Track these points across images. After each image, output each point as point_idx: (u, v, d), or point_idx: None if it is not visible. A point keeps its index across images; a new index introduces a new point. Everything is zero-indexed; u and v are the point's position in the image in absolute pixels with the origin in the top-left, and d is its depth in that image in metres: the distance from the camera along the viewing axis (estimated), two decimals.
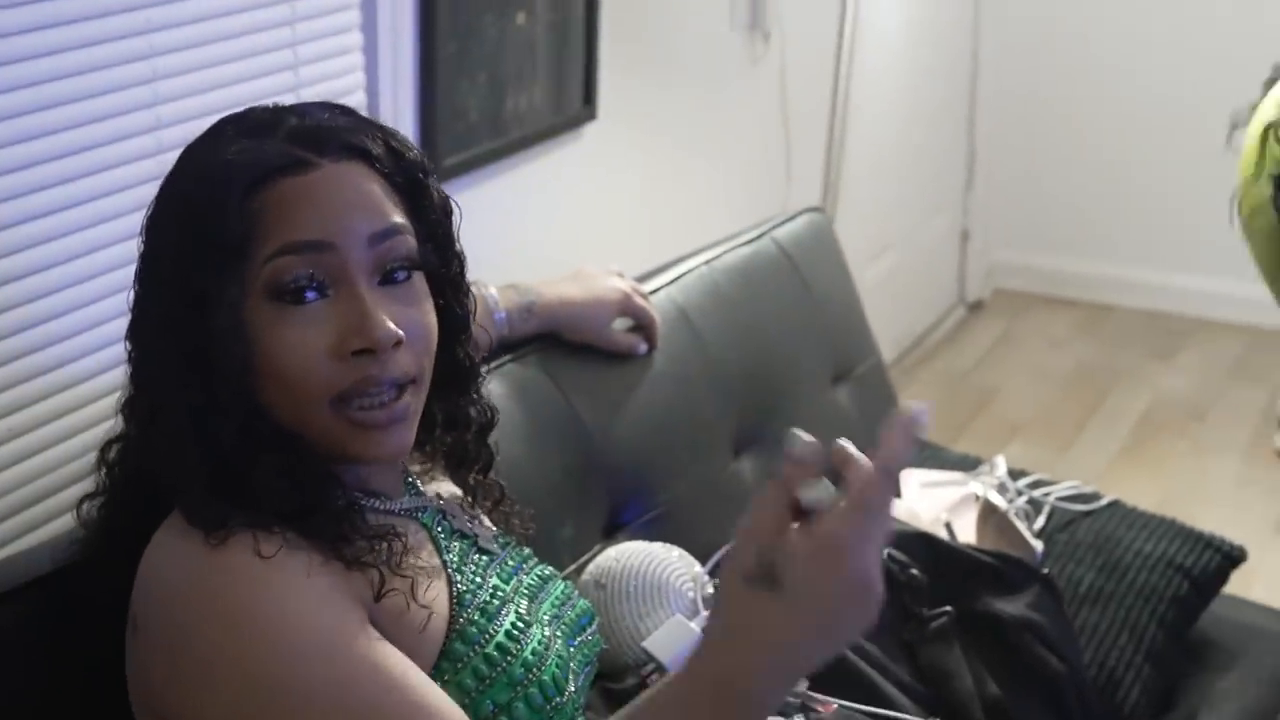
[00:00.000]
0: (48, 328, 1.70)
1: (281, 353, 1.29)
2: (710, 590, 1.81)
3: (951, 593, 1.91)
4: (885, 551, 1.90)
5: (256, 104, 1.39)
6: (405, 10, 2.23)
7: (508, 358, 1.95)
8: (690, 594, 1.80)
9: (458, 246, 1.46)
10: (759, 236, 2.42)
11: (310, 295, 1.30)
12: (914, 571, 1.90)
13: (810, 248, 2.48)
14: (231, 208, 1.29)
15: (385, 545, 1.33)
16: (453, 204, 1.45)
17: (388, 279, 1.34)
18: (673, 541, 1.92)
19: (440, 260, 1.43)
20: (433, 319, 1.38)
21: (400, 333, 1.31)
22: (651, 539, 1.94)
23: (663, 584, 1.81)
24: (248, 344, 1.29)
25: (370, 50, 2.18)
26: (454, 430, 1.50)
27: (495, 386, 1.90)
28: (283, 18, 2.01)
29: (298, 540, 1.28)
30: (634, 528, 2.01)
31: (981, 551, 1.96)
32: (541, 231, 2.63)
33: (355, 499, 1.37)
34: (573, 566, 1.89)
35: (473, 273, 2.14)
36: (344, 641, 1.26)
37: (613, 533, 1.99)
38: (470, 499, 1.54)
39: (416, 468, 1.54)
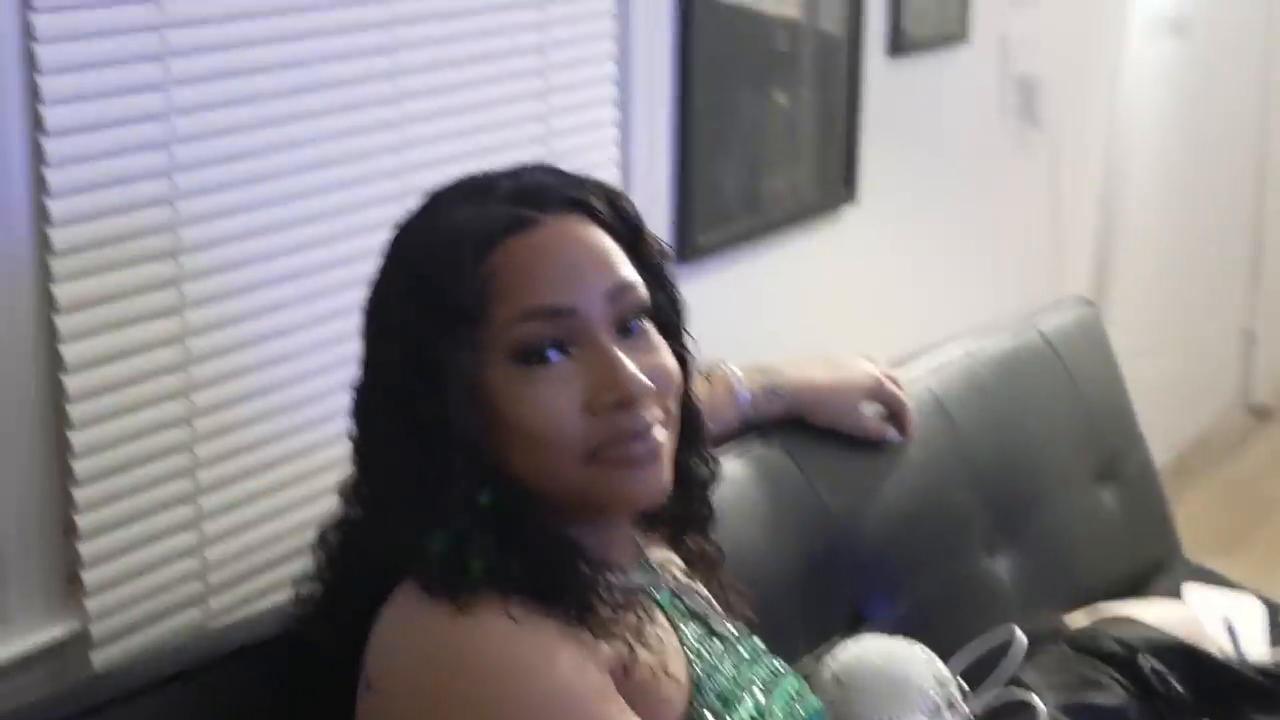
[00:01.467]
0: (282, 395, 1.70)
1: (531, 413, 1.27)
2: (955, 692, 1.71)
3: (1213, 708, 1.78)
4: (1149, 665, 1.81)
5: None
6: (661, 86, 2.20)
7: (753, 440, 1.89)
8: (934, 696, 1.70)
9: (677, 291, 1.44)
10: (1024, 327, 2.32)
11: (554, 356, 1.28)
12: (1173, 683, 1.77)
13: (1077, 341, 2.38)
14: (464, 273, 1.27)
15: (633, 616, 1.30)
16: (665, 246, 1.43)
17: (625, 330, 1.32)
18: (917, 639, 1.83)
19: (669, 305, 1.41)
20: (674, 362, 1.36)
21: (651, 384, 1.29)
22: (894, 635, 1.85)
23: (904, 683, 1.71)
24: (487, 409, 1.27)
25: (625, 125, 2.15)
26: (680, 485, 1.43)
27: (737, 468, 1.85)
28: (536, 90, 1.99)
29: (542, 607, 1.25)
30: (876, 623, 1.91)
31: (1248, 667, 1.83)
32: (792, 314, 2.56)
33: (596, 569, 1.33)
34: (809, 658, 1.81)
35: (719, 353, 2.11)
36: (597, 708, 1.23)
37: (854, 626, 1.90)
38: (687, 566, 1.50)
39: (641, 538, 1.48)
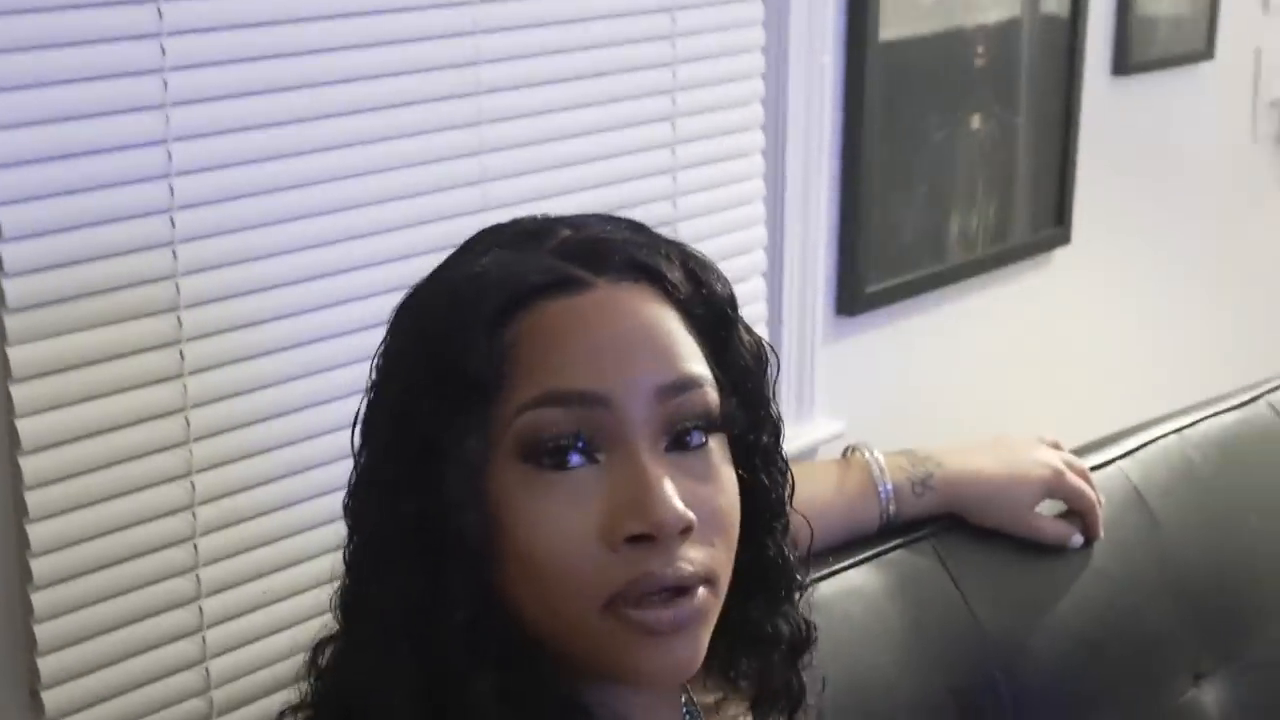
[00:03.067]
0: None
1: (536, 534, 0.96)
2: None
3: None
4: None
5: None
6: (823, 108, 1.89)
7: (894, 542, 1.56)
8: None
9: (773, 407, 1.09)
10: (1251, 400, 1.95)
11: (575, 459, 0.96)
12: None
13: None
14: (477, 334, 0.97)
15: None
16: (768, 351, 1.09)
17: (678, 443, 0.99)
18: None
19: (749, 423, 1.06)
20: (733, 498, 1.02)
21: (690, 515, 0.96)
22: None
23: None
24: (488, 515, 0.97)
25: (774, 153, 1.85)
26: (752, 649, 1.12)
27: (872, 578, 1.53)
28: (665, 110, 1.70)
29: None
30: None
31: None
32: (978, 378, 2.23)
33: None
34: None
35: (880, 423, 1.80)
36: None
37: None
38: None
39: (710, 698, 1.16)
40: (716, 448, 1.01)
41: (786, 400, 1.95)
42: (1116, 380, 2.41)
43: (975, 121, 2.14)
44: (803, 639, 1.14)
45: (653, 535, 0.95)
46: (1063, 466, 1.63)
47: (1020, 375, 2.30)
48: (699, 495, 0.98)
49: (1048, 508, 1.65)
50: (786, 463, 1.12)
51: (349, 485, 1.04)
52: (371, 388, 1.04)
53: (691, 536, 0.97)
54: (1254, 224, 2.78)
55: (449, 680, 0.97)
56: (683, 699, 1.12)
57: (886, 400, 2.08)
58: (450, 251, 1.06)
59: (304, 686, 1.08)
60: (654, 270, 1.03)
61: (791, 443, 1.94)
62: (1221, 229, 2.70)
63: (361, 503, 1.03)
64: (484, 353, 0.97)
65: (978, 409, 2.07)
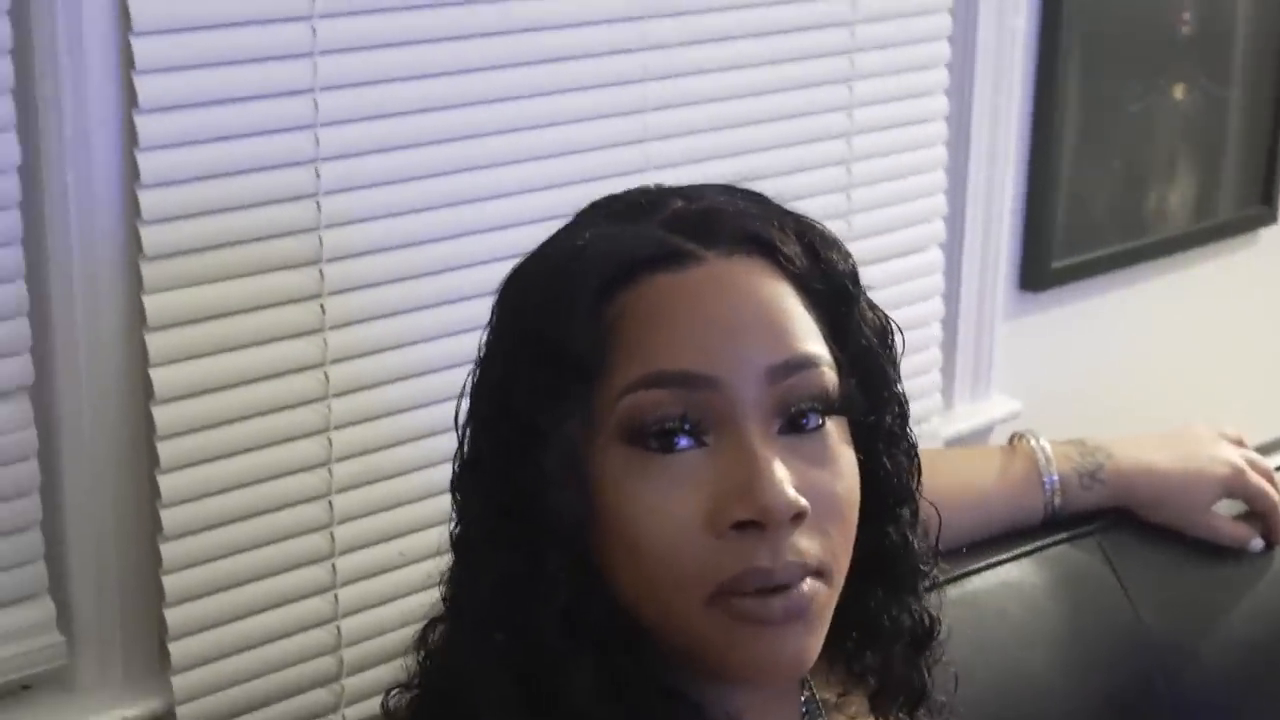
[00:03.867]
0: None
1: (639, 518, 0.92)
2: None
3: None
4: None
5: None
6: (1013, 73, 1.80)
7: (1058, 536, 1.49)
8: None
9: (899, 387, 1.03)
10: None
11: (682, 442, 0.92)
12: None
13: None
14: (578, 312, 0.93)
15: None
16: (894, 327, 1.03)
17: (793, 425, 0.94)
18: None
19: (870, 405, 1.00)
20: (852, 483, 0.96)
21: (803, 502, 0.91)
22: None
23: None
24: (590, 497, 0.93)
25: (959, 119, 1.77)
26: (873, 641, 1.06)
27: (1031, 572, 1.48)
28: (844, 72, 1.63)
29: None
30: None
31: None
32: (1170, 361, 2.12)
33: None
34: None
35: (1060, 405, 1.72)
36: None
37: None
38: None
39: (830, 695, 1.11)
40: (834, 430, 0.96)
41: (961, 377, 1.87)
42: None
43: (1178, 92, 2.03)
44: (925, 632, 1.08)
45: (761, 522, 0.90)
46: (1244, 465, 1.54)
47: (1215, 363, 2.18)
48: (814, 480, 0.93)
49: (1226, 508, 1.57)
50: (914, 445, 1.05)
51: (455, 463, 1.01)
52: (477, 364, 1.01)
53: (804, 524, 0.92)
54: None
55: (546, 667, 0.93)
56: (803, 696, 1.06)
57: (1069, 382, 1.98)
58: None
59: (411, 664, 1.06)
60: (768, 242, 0.97)
61: (965, 421, 1.87)
62: None
63: (463, 482, 1.00)
64: (585, 332, 0.93)
65: (1166, 396, 1.97)
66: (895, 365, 1.03)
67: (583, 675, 0.93)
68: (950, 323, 1.84)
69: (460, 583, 1.00)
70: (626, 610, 0.95)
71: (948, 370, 1.85)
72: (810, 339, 0.95)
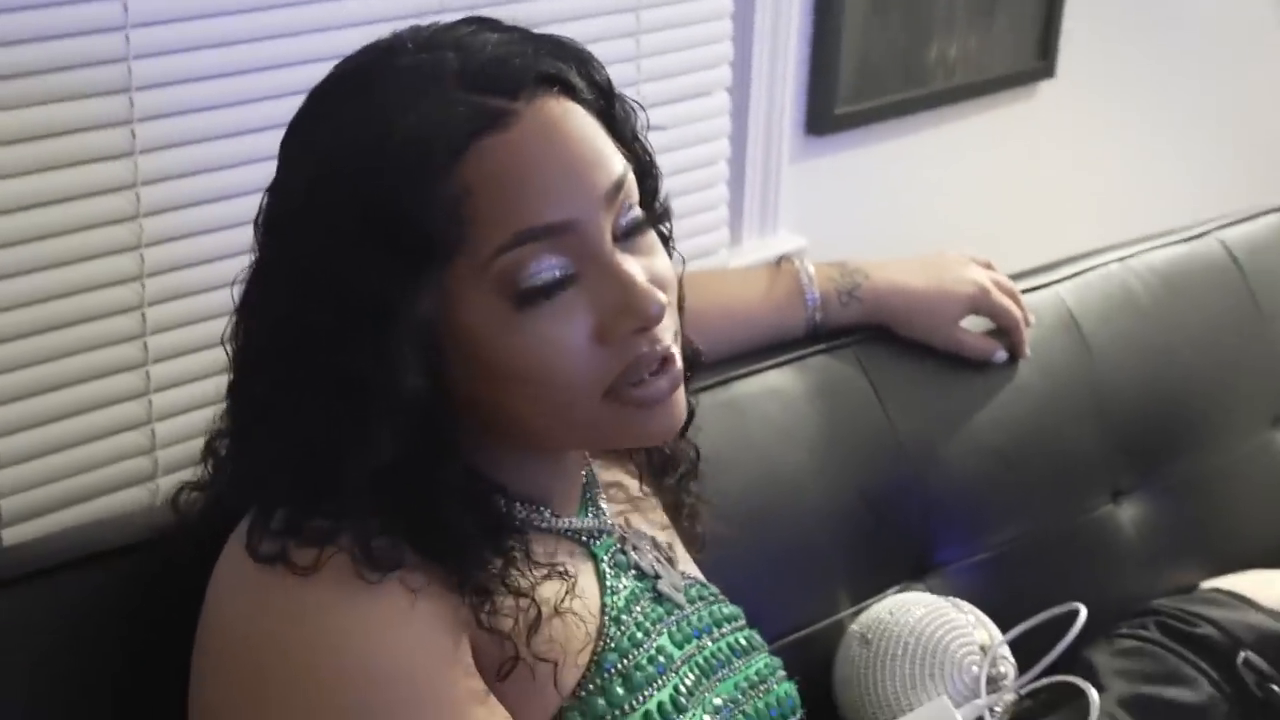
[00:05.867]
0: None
1: (535, 354, 1.03)
2: (1004, 669, 1.45)
3: None
4: (1242, 654, 1.51)
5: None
6: None
7: (818, 347, 1.63)
8: (974, 670, 1.44)
9: (658, 169, 1.17)
10: (1200, 235, 1.99)
11: (558, 286, 1.03)
12: (1275, 688, 1.48)
13: (1272, 256, 2.03)
14: (431, 194, 0.99)
15: (533, 609, 1.06)
16: (632, 104, 1.15)
17: (623, 232, 1.07)
18: (1000, 597, 1.57)
19: (652, 190, 1.16)
20: (668, 258, 1.12)
21: (665, 298, 1.06)
22: (971, 588, 1.60)
23: (941, 651, 1.45)
24: (460, 350, 1.03)
25: None
26: None
27: (790, 378, 1.61)
28: None
29: (413, 561, 1.01)
30: (950, 572, 1.65)
31: None
32: (947, 207, 2.26)
33: (519, 518, 1.12)
34: (849, 611, 1.56)
35: (844, 243, 1.85)
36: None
37: (921, 574, 1.64)
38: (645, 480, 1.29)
39: (607, 475, 1.27)
40: (645, 225, 1.09)
41: (750, 214, 2.00)
42: (1087, 218, 2.43)
43: None
44: (691, 367, 1.20)
45: (647, 326, 1.04)
46: (990, 284, 1.67)
47: (990, 207, 2.33)
48: (654, 270, 1.08)
49: (977, 325, 1.70)
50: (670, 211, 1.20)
51: (244, 328, 1.08)
52: (274, 229, 1.06)
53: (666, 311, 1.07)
54: (1251, 63, 2.78)
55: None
56: (582, 476, 1.21)
57: (852, 221, 2.12)
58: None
59: (202, 469, 1.16)
60: (558, 77, 1.07)
61: (752, 255, 1.99)
62: (1218, 70, 2.69)
63: (267, 338, 1.05)
64: (437, 214, 0.99)
65: (943, 236, 2.09)
66: (645, 136, 1.15)
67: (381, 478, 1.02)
68: (738, 163, 1.96)
69: (257, 421, 1.06)
70: (477, 423, 1.06)
71: (735, 207, 1.97)
72: (617, 157, 1.08)
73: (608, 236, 1.05)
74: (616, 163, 1.07)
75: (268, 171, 1.08)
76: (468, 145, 1.01)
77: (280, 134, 1.08)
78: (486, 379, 1.04)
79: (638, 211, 1.08)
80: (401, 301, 1.00)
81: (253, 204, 1.42)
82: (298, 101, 1.08)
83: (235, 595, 1.03)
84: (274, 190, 1.07)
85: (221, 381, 1.46)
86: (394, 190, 0.99)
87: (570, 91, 1.08)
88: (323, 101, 1.07)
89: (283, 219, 1.06)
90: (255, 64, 1.46)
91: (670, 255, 1.15)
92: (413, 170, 1.00)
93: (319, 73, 1.08)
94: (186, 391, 1.48)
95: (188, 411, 1.48)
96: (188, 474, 1.43)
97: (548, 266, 1.02)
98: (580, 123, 1.06)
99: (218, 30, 1.43)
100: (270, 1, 1.46)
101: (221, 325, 1.44)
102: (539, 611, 1.06)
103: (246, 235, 1.43)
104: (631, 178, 1.08)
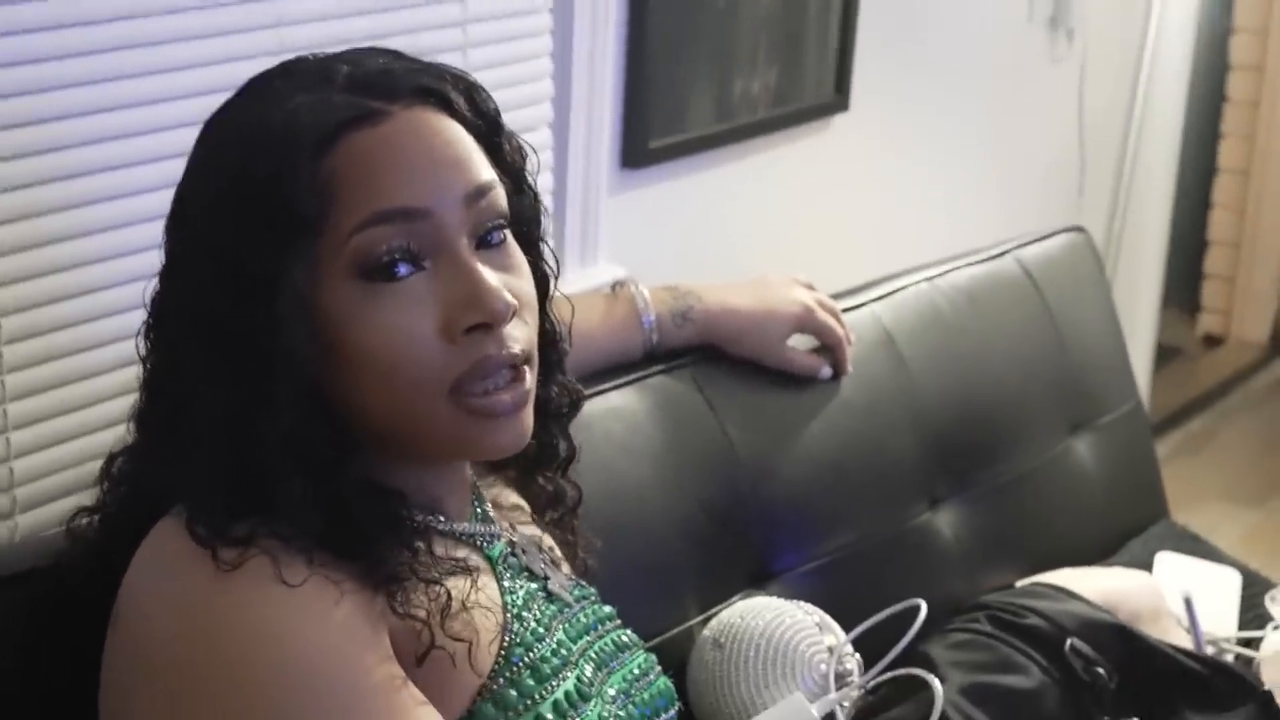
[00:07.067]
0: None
1: (380, 338, 1.09)
2: (850, 666, 1.53)
3: (1144, 699, 1.58)
4: (1069, 641, 1.61)
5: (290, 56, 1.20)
6: None
7: (656, 368, 1.70)
8: (823, 668, 1.52)
9: (539, 199, 1.26)
10: (1000, 254, 2.11)
11: (404, 269, 1.10)
12: (1100, 670, 1.58)
13: (1063, 272, 2.16)
14: (302, 174, 1.08)
15: (458, 583, 1.13)
16: (527, 148, 1.24)
17: (484, 242, 1.14)
18: (836, 600, 1.65)
19: (528, 216, 1.23)
20: (532, 284, 1.19)
21: (514, 300, 1.12)
22: (809, 593, 1.67)
23: (790, 652, 1.53)
24: (325, 333, 1.09)
25: (562, 12, 1.95)
26: (537, 418, 1.24)
27: (632, 398, 1.67)
28: None
29: (327, 560, 1.07)
30: (788, 579, 1.73)
31: (1189, 656, 1.62)
32: (756, 235, 2.35)
33: (419, 520, 1.17)
34: (698, 619, 1.63)
35: (661, 271, 1.92)
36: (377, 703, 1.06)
37: (761, 581, 1.72)
38: (536, 511, 1.35)
39: (482, 481, 1.33)
40: (511, 242, 1.17)
41: (571, 245, 2.06)
42: (886, 240, 2.55)
43: None
44: (571, 404, 1.33)
45: (489, 323, 1.10)
46: (813, 304, 1.76)
47: (797, 233, 2.42)
48: (510, 284, 1.14)
49: (802, 343, 1.79)
50: (550, 249, 1.28)
51: (153, 316, 1.15)
52: (175, 233, 1.14)
53: (514, 320, 1.13)
54: (1024, 99, 2.93)
55: (259, 481, 1.08)
56: (470, 483, 1.27)
57: (668, 250, 2.19)
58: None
59: (99, 492, 1.20)
60: (439, 93, 1.15)
61: (575, 285, 2.03)
62: (995, 102, 2.83)
63: (174, 332, 1.12)
64: (307, 190, 1.08)
65: (755, 262, 2.19)
66: (534, 179, 1.24)
67: (292, 484, 1.08)
68: (560, 196, 2.02)
69: (170, 416, 1.12)
70: (354, 423, 1.12)
71: (558, 238, 2.03)
72: (486, 168, 1.15)
73: (463, 235, 1.12)
74: (483, 172, 1.15)
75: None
76: (338, 134, 1.10)
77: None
78: (345, 368, 1.10)
79: (502, 224, 1.15)
80: (281, 274, 1.07)
81: (105, 242, 1.46)
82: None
83: (155, 597, 1.08)
84: (179, 186, 1.15)
85: (78, 418, 1.51)
86: (269, 169, 1.08)
87: (448, 108, 1.16)
88: (226, 106, 1.16)
89: (182, 207, 1.14)
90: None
91: (550, 294, 1.26)
92: (287, 151, 1.08)
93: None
94: (46, 427, 1.48)
95: (47, 448, 1.48)
96: (44, 511, 1.49)
97: (398, 247, 1.10)
98: (453, 132, 1.15)
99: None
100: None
101: (79, 361, 1.50)
102: (450, 595, 1.11)
103: (104, 271, 1.49)
104: (501, 194, 1.15)
